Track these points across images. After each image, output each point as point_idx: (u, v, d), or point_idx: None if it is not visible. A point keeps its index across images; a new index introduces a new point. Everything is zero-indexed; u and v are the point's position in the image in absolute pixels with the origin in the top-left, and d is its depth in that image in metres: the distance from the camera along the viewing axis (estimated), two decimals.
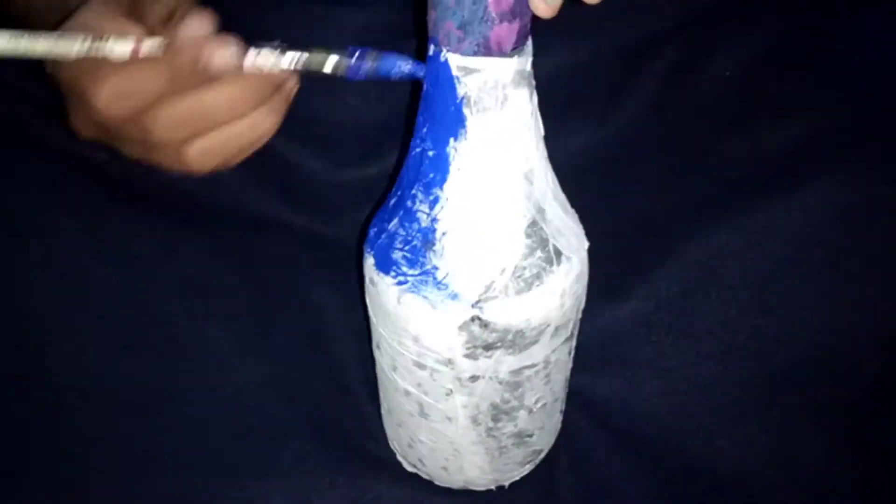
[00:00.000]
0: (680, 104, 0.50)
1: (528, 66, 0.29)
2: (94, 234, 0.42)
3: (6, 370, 0.39)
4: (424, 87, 0.30)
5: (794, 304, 0.43)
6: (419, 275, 0.32)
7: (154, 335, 0.42)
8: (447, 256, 0.32)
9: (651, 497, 0.42)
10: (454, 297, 0.32)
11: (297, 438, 0.41)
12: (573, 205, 0.35)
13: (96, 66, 0.35)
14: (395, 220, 0.33)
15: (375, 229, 0.34)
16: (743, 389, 0.43)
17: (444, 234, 0.31)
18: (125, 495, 0.38)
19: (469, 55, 0.28)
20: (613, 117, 0.51)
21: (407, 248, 0.32)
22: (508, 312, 0.32)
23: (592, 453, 0.44)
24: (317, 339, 0.46)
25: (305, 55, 0.33)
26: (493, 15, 0.26)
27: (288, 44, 0.33)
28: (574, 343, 0.38)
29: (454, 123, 0.29)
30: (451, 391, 0.35)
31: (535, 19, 0.29)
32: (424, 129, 0.31)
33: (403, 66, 0.31)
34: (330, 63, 0.32)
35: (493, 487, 0.42)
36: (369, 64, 0.32)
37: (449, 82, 0.28)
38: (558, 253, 0.33)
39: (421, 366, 0.35)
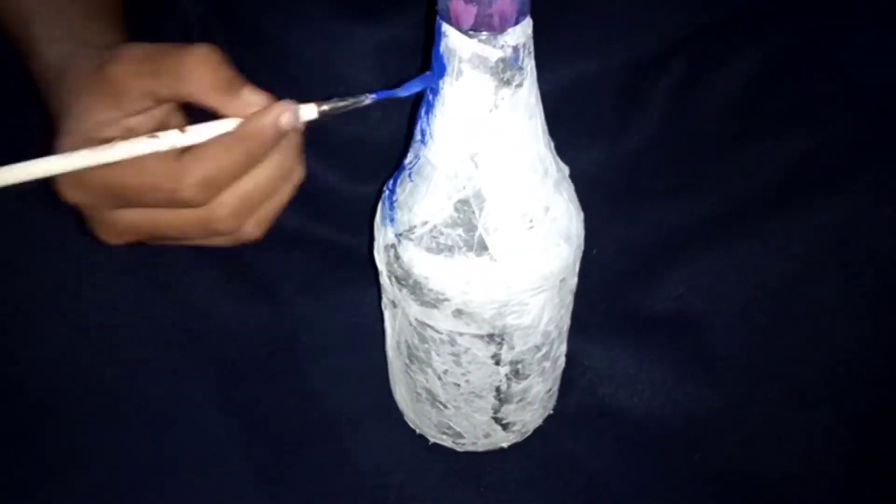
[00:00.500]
0: (687, 119, 0.51)
1: (494, 59, 0.32)
2: (108, 246, 0.40)
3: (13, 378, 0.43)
4: None
5: (802, 317, 0.44)
6: (388, 199, 0.38)
7: (170, 349, 0.45)
8: (406, 191, 0.37)
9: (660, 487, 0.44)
10: (392, 220, 0.37)
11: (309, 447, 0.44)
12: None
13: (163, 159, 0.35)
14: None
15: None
16: (749, 403, 0.45)
17: (409, 174, 0.37)
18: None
19: (442, 19, 0.32)
20: (622, 133, 0.51)
21: (394, 183, 0.39)
22: (413, 259, 0.36)
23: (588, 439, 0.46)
24: (335, 350, 0.48)
25: (341, 104, 0.35)
26: None
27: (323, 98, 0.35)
28: (501, 349, 0.39)
29: (437, 74, 0.34)
30: (384, 310, 0.41)
31: (538, 35, 0.32)
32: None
33: (414, 86, 0.35)
34: (357, 104, 0.36)
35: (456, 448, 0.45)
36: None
37: (439, 29, 0.33)
38: (482, 245, 0.35)
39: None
